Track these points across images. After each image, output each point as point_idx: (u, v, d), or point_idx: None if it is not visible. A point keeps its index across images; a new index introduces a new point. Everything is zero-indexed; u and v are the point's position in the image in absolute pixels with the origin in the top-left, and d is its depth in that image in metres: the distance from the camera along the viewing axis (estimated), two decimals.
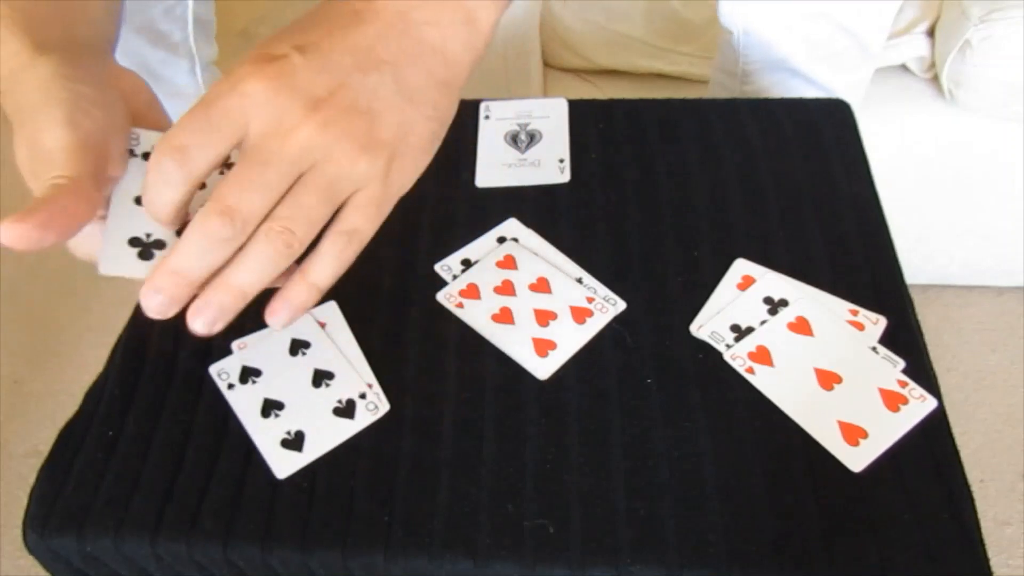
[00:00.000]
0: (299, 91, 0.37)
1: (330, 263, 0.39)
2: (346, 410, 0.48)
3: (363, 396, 0.49)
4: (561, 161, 0.61)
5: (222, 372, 0.50)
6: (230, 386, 0.49)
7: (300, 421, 0.48)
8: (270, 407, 0.48)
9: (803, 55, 0.75)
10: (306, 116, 0.36)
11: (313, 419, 0.48)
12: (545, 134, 0.63)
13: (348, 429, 0.47)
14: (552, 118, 0.64)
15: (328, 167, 0.37)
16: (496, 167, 0.61)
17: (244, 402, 0.49)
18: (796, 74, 0.77)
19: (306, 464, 0.46)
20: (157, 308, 0.37)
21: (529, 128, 0.64)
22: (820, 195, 0.58)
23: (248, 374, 0.50)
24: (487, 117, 0.65)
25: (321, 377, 0.49)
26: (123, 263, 0.40)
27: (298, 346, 0.51)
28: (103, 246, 0.40)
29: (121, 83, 0.41)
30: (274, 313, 0.40)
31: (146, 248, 0.41)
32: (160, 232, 0.41)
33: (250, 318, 0.43)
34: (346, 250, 0.39)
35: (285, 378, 0.49)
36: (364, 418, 0.48)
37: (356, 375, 0.50)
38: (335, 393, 0.49)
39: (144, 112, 0.42)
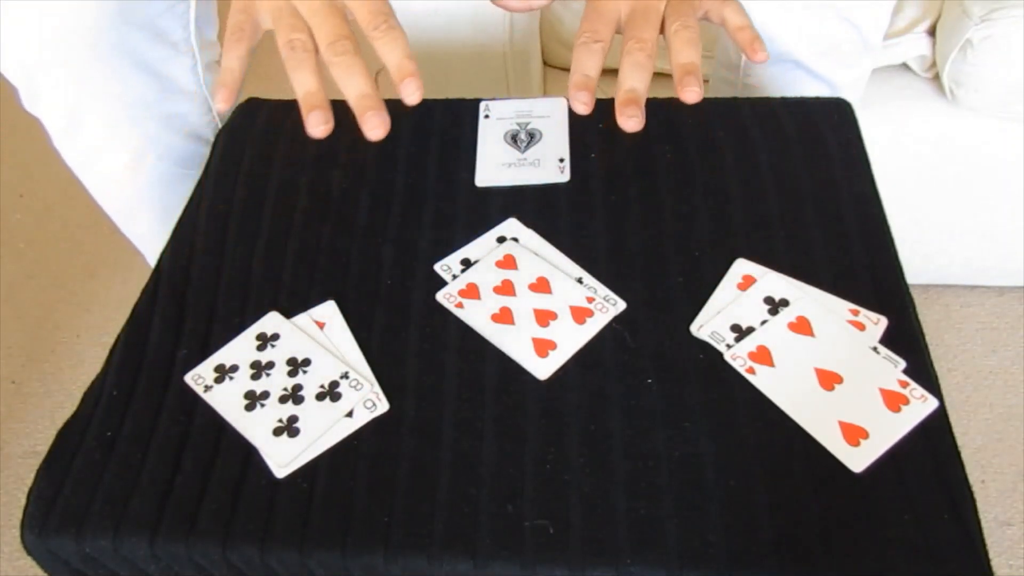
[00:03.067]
0: None
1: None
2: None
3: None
4: (561, 161, 0.61)
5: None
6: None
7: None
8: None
9: (804, 48, 0.75)
10: None
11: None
12: (545, 133, 0.63)
13: (347, 427, 0.47)
14: (552, 117, 0.64)
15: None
16: (496, 167, 0.61)
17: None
18: (798, 66, 0.77)
19: (305, 461, 0.46)
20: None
21: (529, 127, 0.64)
22: (821, 195, 0.58)
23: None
24: (487, 116, 0.65)
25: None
26: None
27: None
28: None
29: None
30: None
31: None
32: None
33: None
34: None
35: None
36: (363, 416, 0.48)
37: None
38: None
39: None
